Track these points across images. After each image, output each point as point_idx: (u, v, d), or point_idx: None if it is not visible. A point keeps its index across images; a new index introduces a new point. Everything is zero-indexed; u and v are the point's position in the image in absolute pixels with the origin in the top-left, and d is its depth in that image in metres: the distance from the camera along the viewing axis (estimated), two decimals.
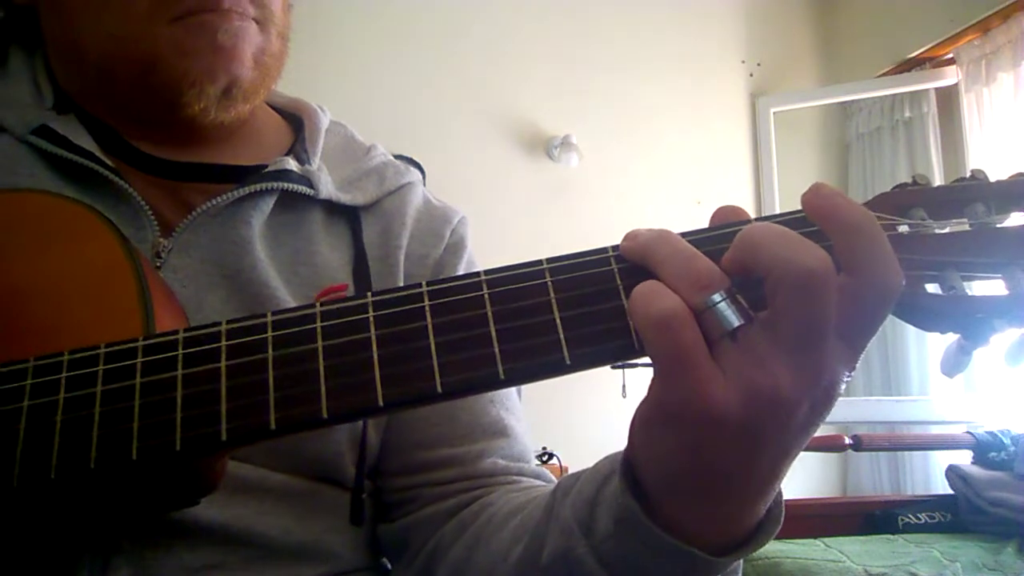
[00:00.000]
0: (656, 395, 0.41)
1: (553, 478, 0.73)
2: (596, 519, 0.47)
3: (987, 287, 0.40)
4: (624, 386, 2.80)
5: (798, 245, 0.38)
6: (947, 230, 0.42)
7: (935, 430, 2.97)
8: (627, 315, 0.41)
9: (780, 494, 0.45)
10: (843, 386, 0.39)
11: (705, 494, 0.42)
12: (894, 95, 3.55)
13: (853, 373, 0.40)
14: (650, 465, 0.43)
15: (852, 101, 3.77)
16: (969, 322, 0.40)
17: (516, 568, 0.55)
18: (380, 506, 0.73)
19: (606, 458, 0.51)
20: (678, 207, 3.50)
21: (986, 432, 2.45)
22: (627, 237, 0.43)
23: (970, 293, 0.40)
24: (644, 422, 0.43)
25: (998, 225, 0.41)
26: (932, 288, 0.40)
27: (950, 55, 3.32)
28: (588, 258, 0.43)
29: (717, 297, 0.39)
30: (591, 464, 0.70)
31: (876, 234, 0.38)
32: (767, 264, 0.38)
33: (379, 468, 0.71)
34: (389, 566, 0.74)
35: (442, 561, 0.66)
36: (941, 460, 2.78)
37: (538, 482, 0.71)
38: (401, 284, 0.70)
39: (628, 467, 0.45)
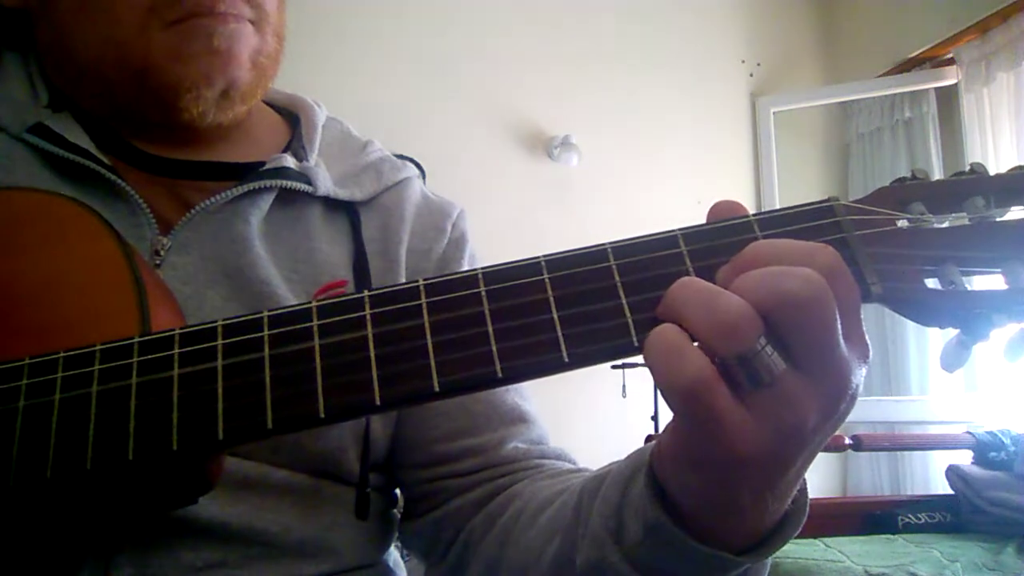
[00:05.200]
0: (680, 439, 0.41)
1: (573, 458, 0.73)
2: (625, 524, 0.48)
3: (987, 281, 0.40)
4: (624, 386, 2.80)
5: (783, 276, 0.37)
6: (946, 224, 0.41)
7: (935, 430, 2.98)
8: (624, 313, 0.41)
9: (804, 482, 0.45)
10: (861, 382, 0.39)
11: (733, 511, 0.43)
12: (894, 95, 3.55)
13: (868, 363, 0.39)
14: (676, 489, 0.44)
15: (852, 101, 3.78)
16: (969, 317, 0.39)
17: (550, 569, 0.56)
18: (405, 502, 0.73)
19: (628, 458, 0.51)
20: (678, 207, 3.49)
21: (986, 432, 2.45)
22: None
23: (969, 288, 0.40)
24: (668, 457, 0.43)
25: (998, 219, 0.40)
26: (931, 283, 0.40)
27: (950, 55, 3.32)
28: (585, 255, 0.42)
29: (757, 346, 0.36)
30: (592, 463, 0.70)
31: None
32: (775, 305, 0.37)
33: (396, 463, 0.72)
34: (391, 564, 0.74)
35: (474, 557, 0.66)
36: (941, 460, 2.78)
37: (561, 463, 0.72)
38: (403, 279, 0.70)
39: (654, 478, 0.45)
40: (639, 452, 0.50)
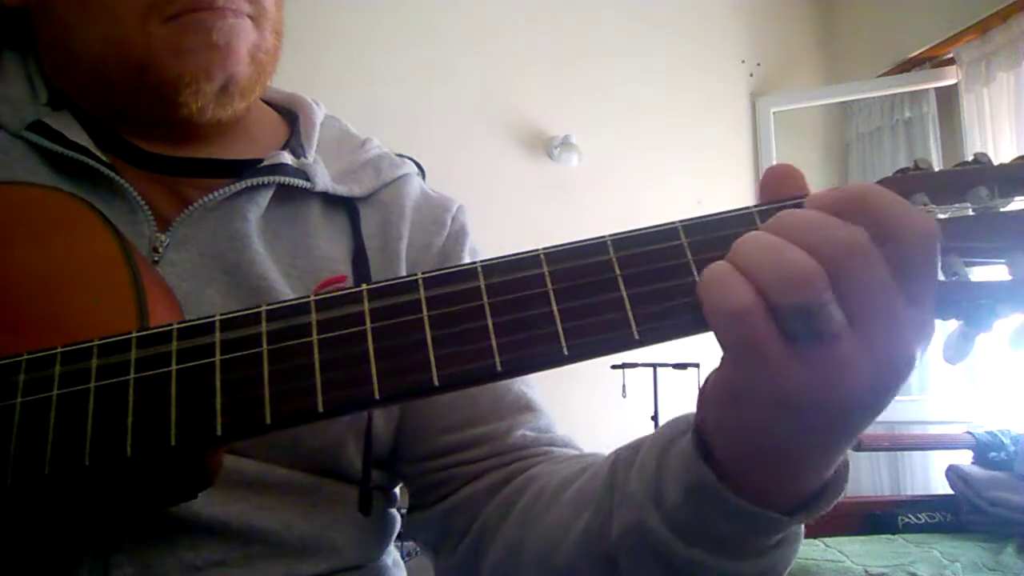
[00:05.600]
0: (727, 375, 0.41)
1: (580, 446, 0.73)
2: (664, 489, 0.48)
3: (990, 272, 0.40)
4: (624, 386, 2.80)
5: (842, 226, 0.37)
6: (949, 215, 0.41)
7: (935, 430, 2.98)
8: (625, 305, 0.40)
9: (846, 455, 0.45)
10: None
11: (777, 467, 0.42)
12: (894, 95, 3.56)
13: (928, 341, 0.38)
14: (721, 439, 0.43)
15: (852, 101, 3.78)
16: (972, 308, 0.39)
17: (581, 540, 0.55)
18: (412, 494, 0.73)
19: (665, 426, 0.51)
20: (678, 207, 3.47)
21: (986, 432, 2.46)
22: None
23: (973, 278, 0.40)
24: (714, 398, 0.43)
25: (1001, 209, 0.40)
26: None
27: (950, 55, 3.32)
28: (585, 248, 0.42)
29: (823, 298, 0.36)
30: None
31: (885, 197, 0.38)
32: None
33: (400, 456, 0.71)
34: (390, 563, 0.74)
35: (492, 541, 0.66)
36: (941, 460, 2.79)
37: (572, 451, 0.71)
38: (403, 273, 0.71)
39: (699, 435, 0.45)
40: (675, 421, 0.50)
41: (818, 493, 0.45)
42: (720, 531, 0.45)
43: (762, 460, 0.42)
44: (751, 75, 3.84)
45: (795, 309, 0.36)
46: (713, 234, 0.41)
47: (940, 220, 0.40)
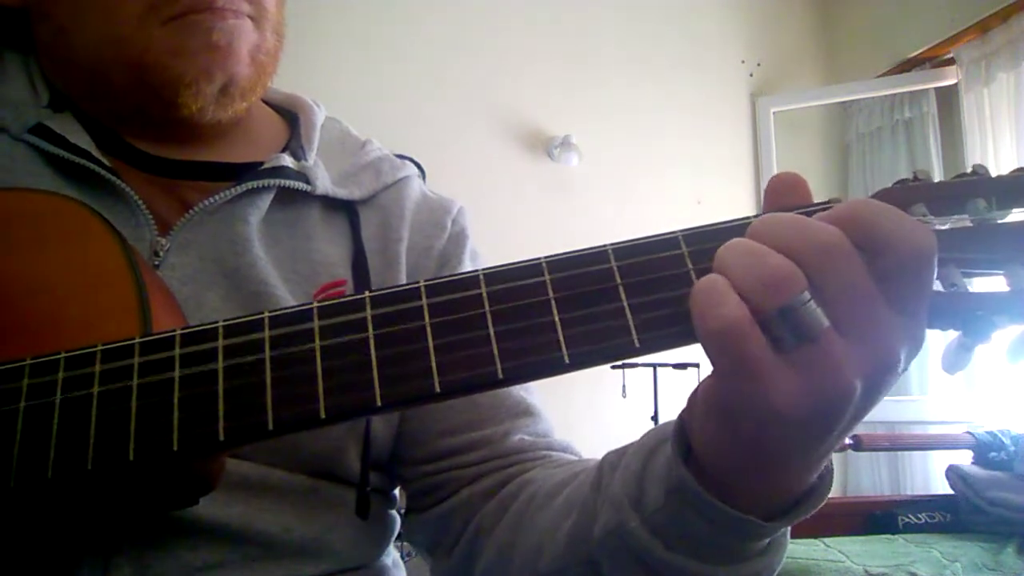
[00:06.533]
0: (716, 389, 0.41)
1: (579, 451, 0.73)
2: (645, 492, 0.48)
3: (988, 283, 0.40)
4: (624, 386, 2.80)
5: (817, 228, 0.38)
6: (948, 226, 0.41)
7: (935, 430, 2.97)
8: (625, 314, 0.41)
9: (830, 461, 0.45)
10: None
11: (761, 474, 0.42)
12: (894, 95, 3.56)
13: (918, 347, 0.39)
14: (705, 446, 0.43)
15: (852, 101, 3.78)
16: (970, 319, 0.39)
17: (566, 544, 0.55)
18: (409, 497, 0.73)
19: (651, 431, 0.51)
20: (678, 207, 3.50)
21: (986, 432, 2.45)
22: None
23: (971, 290, 0.40)
24: (702, 408, 0.43)
25: (999, 221, 0.40)
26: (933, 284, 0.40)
27: (950, 55, 3.32)
28: (586, 257, 0.42)
29: (801, 299, 0.37)
30: None
31: (876, 213, 0.38)
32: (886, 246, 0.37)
33: (399, 459, 0.72)
34: (390, 563, 0.74)
35: (486, 544, 0.66)
36: (941, 460, 2.78)
37: (570, 456, 0.72)
38: (403, 277, 0.71)
39: (682, 437, 0.45)
40: (662, 426, 0.50)
41: (803, 497, 0.45)
42: (700, 535, 0.45)
43: (748, 467, 0.42)
44: (751, 75, 3.84)
45: (777, 312, 0.37)
46: (714, 243, 0.41)
47: (938, 231, 0.40)
